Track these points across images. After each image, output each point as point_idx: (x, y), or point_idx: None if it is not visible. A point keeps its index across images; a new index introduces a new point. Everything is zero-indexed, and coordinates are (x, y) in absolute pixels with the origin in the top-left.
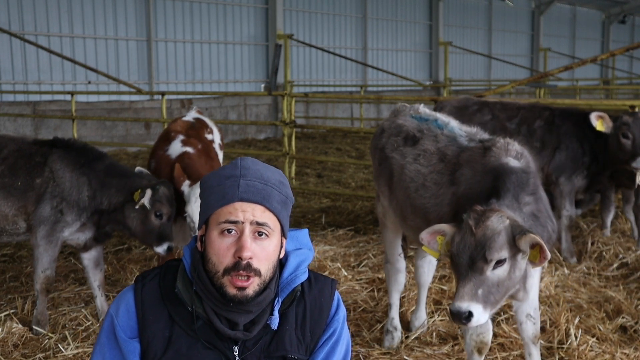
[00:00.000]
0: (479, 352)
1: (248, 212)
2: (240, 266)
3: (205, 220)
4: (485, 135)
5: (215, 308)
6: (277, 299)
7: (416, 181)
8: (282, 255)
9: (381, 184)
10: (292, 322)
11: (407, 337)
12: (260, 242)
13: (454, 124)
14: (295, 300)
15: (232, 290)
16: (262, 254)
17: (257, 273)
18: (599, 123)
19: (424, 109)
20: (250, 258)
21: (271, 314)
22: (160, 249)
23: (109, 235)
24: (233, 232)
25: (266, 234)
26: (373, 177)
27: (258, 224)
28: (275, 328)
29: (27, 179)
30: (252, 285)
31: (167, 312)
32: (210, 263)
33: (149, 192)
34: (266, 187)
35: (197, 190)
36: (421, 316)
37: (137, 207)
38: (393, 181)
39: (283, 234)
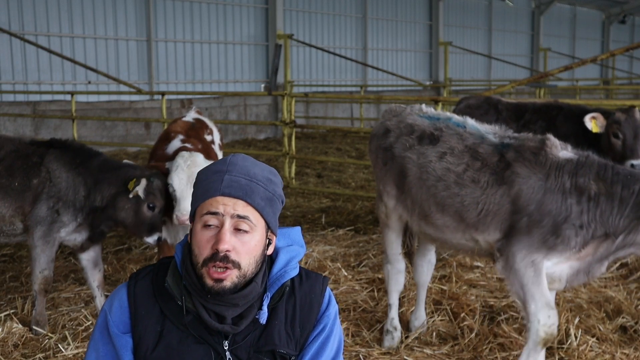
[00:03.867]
0: (545, 344)
1: (229, 206)
2: (217, 257)
3: (193, 213)
4: (511, 132)
5: (203, 301)
6: (266, 294)
7: (446, 179)
8: (270, 252)
9: (387, 184)
10: (281, 318)
11: (407, 337)
12: (240, 237)
13: (471, 121)
14: (284, 296)
15: (209, 282)
16: (242, 249)
17: (236, 265)
18: (593, 124)
19: (428, 108)
20: (228, 251)
21: (260, 308)
22: (151, 239)
23: (104, 235)
24: (213, 225)
25: (247, 229)
26: (375, 177)
27: (239, 217)
28: (264, 323)
29: (24, 179)
30: (230, 277)
31: (159, 307)
32: (193, 255)
33: (143, 182)
34: (251, 183)
35: (177, 160)
36: (421, 316)
37: (130, 196)
38: (406, 180)
39: (271, 231)
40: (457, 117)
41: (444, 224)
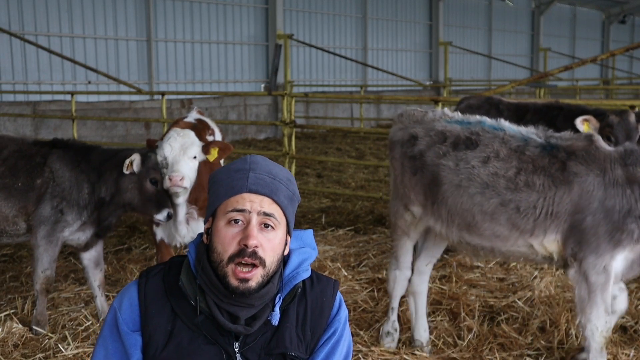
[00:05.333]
0: (606, 346)
1: (256, 203)
2: (245, 253)
3: (212, 212)
4: (551, 132)
5: (218, 301)
6: (278, 295)
7: (495, 186)
8: (286, 252)
9: (416, 193)
10: (292, 320)
11: (408, 339)
12: (266, 234)
13: (506, 123)
14: (296, 298)
15: (234, 282)
16: (268, 245)
17: (262, 262)
18: (585, 127)
19: (455, 113)
20: (256, 247)
21: (272, 309)
22: (161, 216)
23: (110, 229)
24: (240, 222)
25: (272, 226)
26: (398, 185)
27: (265, 214)
28: (276, 324)
29: (28, 179)
30: (256, 277)
31: (170, 306)
32: (215, 252)
33: (136, 157)
34: (274, 181)
35: (170, 133)
36: (426, 327)
37: (126, 172)
38: (441, 189)
39: (288, 231)
40: (489, 120)
41: (494, 233)
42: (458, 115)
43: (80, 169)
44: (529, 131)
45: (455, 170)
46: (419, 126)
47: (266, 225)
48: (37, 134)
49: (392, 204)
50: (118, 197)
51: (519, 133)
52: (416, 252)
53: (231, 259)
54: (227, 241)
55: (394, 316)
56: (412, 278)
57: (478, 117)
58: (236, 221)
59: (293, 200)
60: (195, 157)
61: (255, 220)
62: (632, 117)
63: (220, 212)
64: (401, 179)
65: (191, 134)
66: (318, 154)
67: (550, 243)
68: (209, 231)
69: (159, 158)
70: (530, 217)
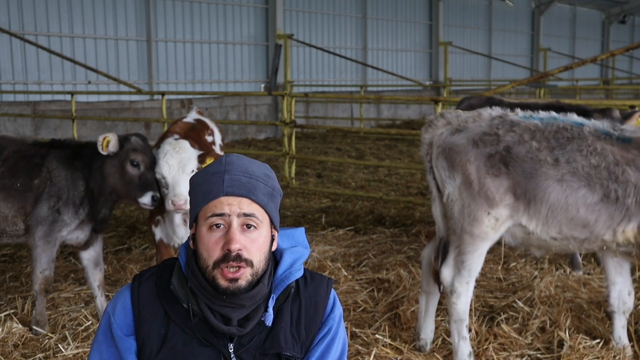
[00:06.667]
0: None
1: (234, 206)
2: (229, 257)
3: (194, 218)
4: (616, 125)
5: (209, 303)
6: (271, 295)
7: (597, 178)
8: (274, 248)
9: (502, 194)
10: (287, 320)
11: (409, 337)
12: (249, 235)
13: (578, 118)
14: (289, 297)
15: (223, 283)
16: (252, 246)
17: (249, 263)
18: None
19: (516, 109)
20: (240, 250)
21: (265, 310)
22: (145, 199)
23: (107, 221)
24: (221, 226)
25: (254, 226)
26: (472, 194)
27: (245, 215)
28: (270, 324)
29: (26, 180)
30: (244, 276)
31: (163, 309)
32: (201, 259)
33: (113, 137)
34: (251, 180)
35: (165, 147)
36: (433, 327)
37: (104, 153)
38: (541, 186)
39: (273, 227)
40: (559, 116)
41: (594, 224)
42: (519, 111)
43: (74, 166)
44: (604, 124)
45: (554, 165)
46: (489, 123)
47: (248, 226)
48: (37, 134)
49: (462, 213)
50: (104, 185)
51: (598, 126)
52: (440, 252)
53: (216, 264)
54: (210, 247)
55: (468, 347)
56: (429, 279)
57: (542, 112)
58: (217, 226)
59: (273, 196)
60: (193, 171)
61: (236, 222)
62: (616, 114)
63: (201, 218)
64: (480, 183)
65: (186, 145)
66: (318, 154)
67: (628, 231)
68: (194, 237)
69: (157, 176)
70: (624, 207)
